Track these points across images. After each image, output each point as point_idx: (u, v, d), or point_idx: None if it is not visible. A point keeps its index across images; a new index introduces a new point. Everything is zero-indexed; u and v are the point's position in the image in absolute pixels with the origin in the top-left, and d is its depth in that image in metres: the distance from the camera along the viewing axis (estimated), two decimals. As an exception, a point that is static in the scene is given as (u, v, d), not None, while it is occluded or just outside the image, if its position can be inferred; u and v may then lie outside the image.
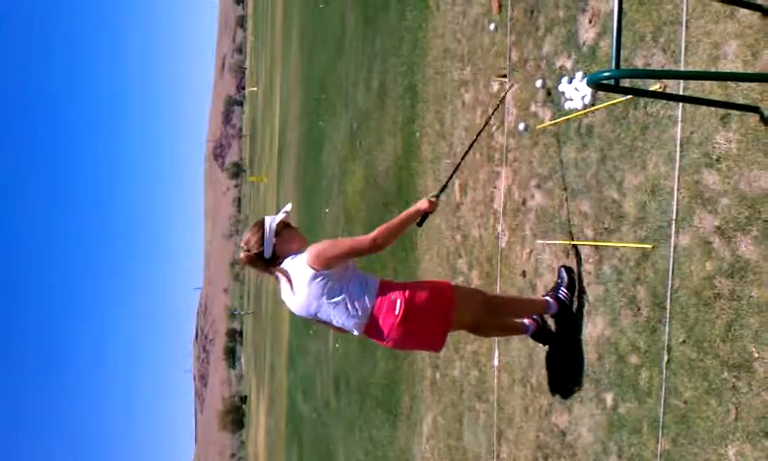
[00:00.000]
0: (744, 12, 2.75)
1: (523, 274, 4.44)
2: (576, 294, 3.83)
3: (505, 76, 4.68)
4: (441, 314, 3.69)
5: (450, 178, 4.30)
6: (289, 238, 3.68)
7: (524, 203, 4.49)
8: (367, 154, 9.76)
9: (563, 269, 3.92)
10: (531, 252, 4.38)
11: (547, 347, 4.11)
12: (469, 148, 4.36)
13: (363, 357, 9.48)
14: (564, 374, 3.88)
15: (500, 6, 5.06)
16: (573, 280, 3.87)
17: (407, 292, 3.63)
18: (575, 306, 3.82)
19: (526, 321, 4.09)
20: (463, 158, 4.37)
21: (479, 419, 5.04)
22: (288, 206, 3.83)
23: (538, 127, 4.34)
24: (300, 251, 3.64)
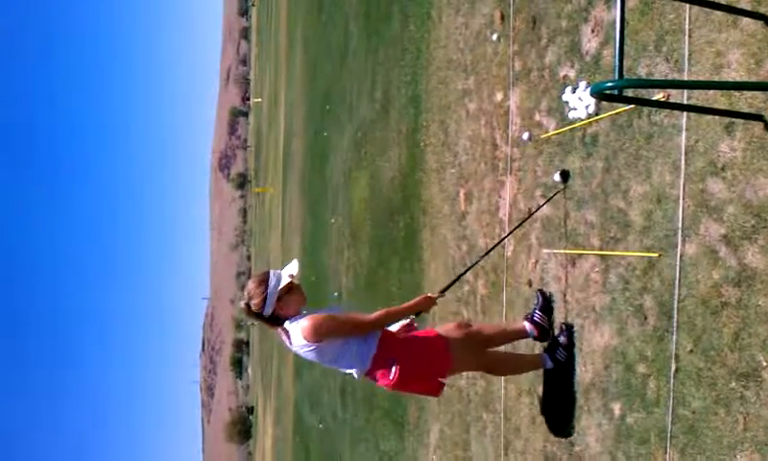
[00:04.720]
0: (746, 20, 2.75)
1: (529, 283, 4.44)
2: (553, 315, 3.99)
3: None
4: (435, 368, 3.81)
5: (459, 278, 4.36)
6: (291, 303, 3.72)
7: (529, 212, 4.49)
8: (372, 164, 9.78)
9: (539, 293, 4.10)
10: (537, 261, 4.37)
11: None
12: (484, 256, 4.52)
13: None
14: (572, 384, 3.86)
15: (502, 16, 5.07)
16: (549, 302, 4.03)
17: (402, 361, 3.71)
18: (558, 327, 3.96)
19: (543, 355, 4.04)
20: (480, 260, 4.57)
21: (486, 429, 5.02)
22: (293, 268, 3.75)
23: (542, 136, 4.35)
24: (299, 313, 3.71)
